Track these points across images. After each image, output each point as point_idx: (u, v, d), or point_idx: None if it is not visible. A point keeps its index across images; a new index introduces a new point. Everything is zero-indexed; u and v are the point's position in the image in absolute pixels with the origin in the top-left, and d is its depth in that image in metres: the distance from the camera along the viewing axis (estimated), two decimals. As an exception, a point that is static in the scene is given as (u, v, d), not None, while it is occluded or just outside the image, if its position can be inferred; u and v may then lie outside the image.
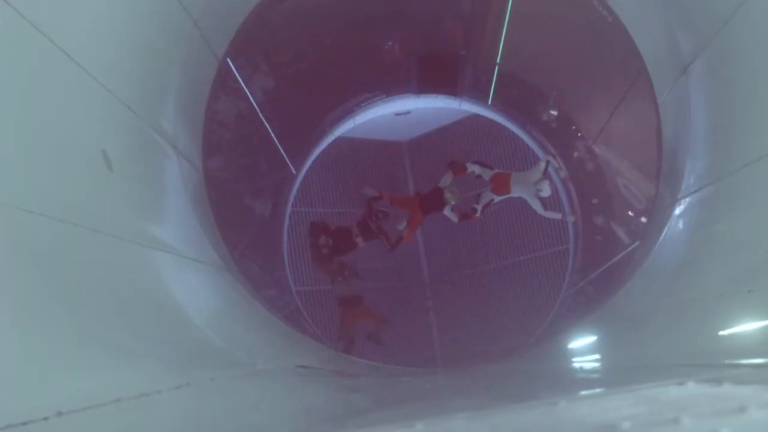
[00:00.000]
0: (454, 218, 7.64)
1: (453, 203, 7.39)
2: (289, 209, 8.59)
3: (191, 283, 3.69)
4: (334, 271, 8.08)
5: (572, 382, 3.60)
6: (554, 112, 7.72)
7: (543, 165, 7.10)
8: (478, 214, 7.62)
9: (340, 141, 8.84)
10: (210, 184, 5.08)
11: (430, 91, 8.43)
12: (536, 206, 7.17)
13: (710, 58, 3.70)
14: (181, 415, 2.09)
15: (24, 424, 1.38)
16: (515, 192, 7.25)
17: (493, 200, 7.46)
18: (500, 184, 7.29)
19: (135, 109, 3.24)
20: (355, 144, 9.26)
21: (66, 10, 2.52)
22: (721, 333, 2.68)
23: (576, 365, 4.56)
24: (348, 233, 7.68)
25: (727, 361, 2.21)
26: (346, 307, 8.45)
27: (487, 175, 7.45)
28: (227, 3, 4.84)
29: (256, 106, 6.86)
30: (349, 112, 8.30)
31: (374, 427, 1.39)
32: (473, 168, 7.45)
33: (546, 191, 6.95)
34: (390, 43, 7.67)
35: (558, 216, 7.57)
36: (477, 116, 8.90)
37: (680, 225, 4.20)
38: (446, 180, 7.49)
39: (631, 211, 6.83)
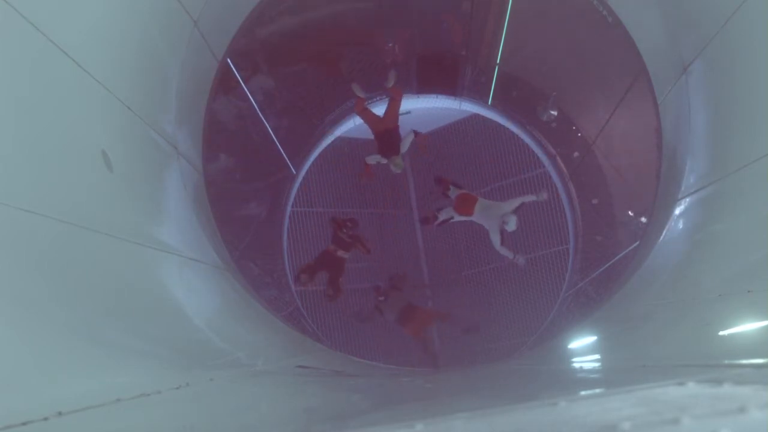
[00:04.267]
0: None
1: (397, 171, 7.23)
2: (289, 209, 8.60)
3: (191, 283, 3.69)
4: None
5: (572, 382, 3.60)
6: (554, 112, 7.72)
7: (519, 202, 6.84)
8: (438, 221, 7.41)
9: (340, 141, 8.84)
10: (210, 184, 5.08)
11: (430, 91, 8.44)
12: (494, 238, 6.91)
13: (710, 58, 3.70)
14: (181, 415, 2.09)
15: (24, 424, 1.37)
16: (477, 218, 7.03)
17: (452, 218, 7.26)
18: (463, 203, 7.09)
19: (135, 109, 3.24)
20: (355, 144, 9.25)
21: (66, 9, 2.52)
22: (721, 333, 2.68)
23: (576, 365, 4.56)
24: (328, 255, 7.61)
25: (727, 361, 2.21)
26: (406, 321, 8.04)
27: (452, 193, 7.29)
28: (227, 3, 4.84)
29: (256, 106, 6.87)
30: (349, 112, 8.30)
31: (374, 427, 1.39)
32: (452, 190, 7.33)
33: (512, 225, 6.69)
34: (390, 44, 7.68)
35: (510, 255, 7.20)
36: (477, 116, 8.90)
37: (680, 225, 4.19)
38: (391, 79, 7.04)
39: (631, 211, 6.84)
